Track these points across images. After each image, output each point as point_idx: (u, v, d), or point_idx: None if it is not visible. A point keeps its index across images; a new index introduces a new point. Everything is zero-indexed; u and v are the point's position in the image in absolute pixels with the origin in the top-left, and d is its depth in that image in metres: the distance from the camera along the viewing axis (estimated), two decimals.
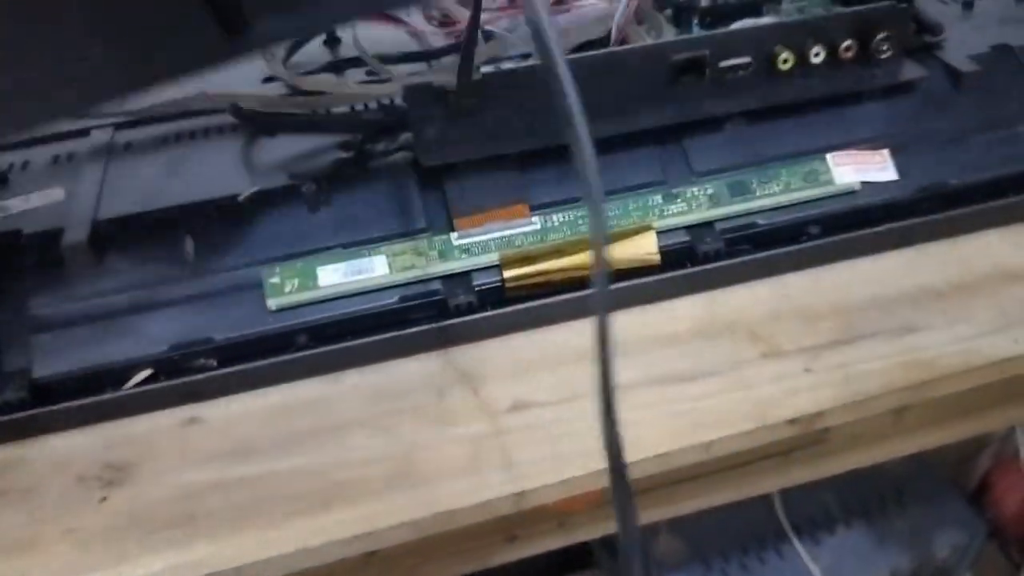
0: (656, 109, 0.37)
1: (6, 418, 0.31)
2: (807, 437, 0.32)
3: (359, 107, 0.40)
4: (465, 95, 0.35)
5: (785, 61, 0.37)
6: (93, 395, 0.32)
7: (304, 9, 0.31)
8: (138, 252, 0.34)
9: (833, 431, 0.33)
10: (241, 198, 0.35)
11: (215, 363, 0.33)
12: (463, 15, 0.42)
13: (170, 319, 0.33)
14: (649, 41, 0.40)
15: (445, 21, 0.45)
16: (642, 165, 0.37)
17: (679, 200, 0.36)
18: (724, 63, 0.37)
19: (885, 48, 0.37)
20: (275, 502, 0.29)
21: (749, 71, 0.37)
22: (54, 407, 0.32)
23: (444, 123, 0.35)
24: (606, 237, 0.24)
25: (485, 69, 0.35)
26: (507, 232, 0.35)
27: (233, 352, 0.33)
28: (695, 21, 0.42)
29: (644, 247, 0.35)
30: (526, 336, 0.34)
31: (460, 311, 0.34)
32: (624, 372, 0.32)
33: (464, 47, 0.35)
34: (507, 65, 0.37)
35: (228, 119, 0.39)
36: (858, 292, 0.35)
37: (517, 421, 0.31)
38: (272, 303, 0.33)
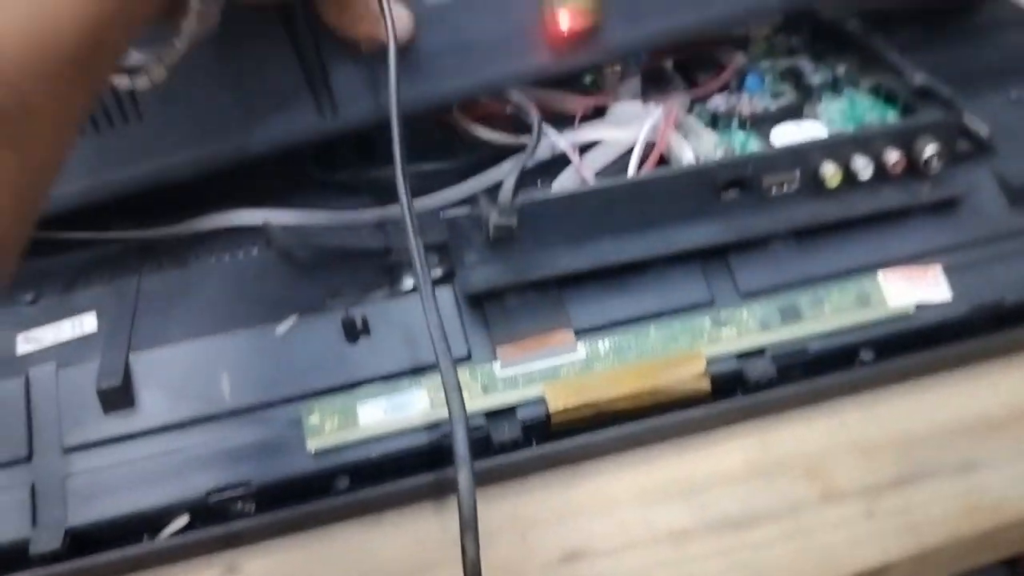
0: (700, 228, 0.36)
1: (44, 571, 0.30)
2: None
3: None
4: (503, 224, 0.34)
5: (832, 177, 0.36)
6: (130, 544, 0.31)
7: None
8: (173, 389, 0.33)
9: None
10: (279, 331, 0.34)
11: (253, 508, 0.32)
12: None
13: (206, 462, 0.32)
14: (688, 149, 0.40)
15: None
16: (688, 285, 0.36)
17: (728, 325, 0.35)
18: (769, 180, 0.36)
19: (935, 161, 0.36)
20: None
21: (795, 188, 0.36)
22: (91, 559, 0.31)
23: (483, 250, 0.35)
24: None
25: (521, 199, 0.34)
26: (552, 362, 0.34)
27: (272, 495, 0.32)
28: (735, 126, 0.41)
29: (694, 375, 0.34)
30: (575, 472, 0.33)
31: (504, 448, 0.33)
32: (678, 517, 0.31)
33: (506, 178, 0.34)
34: (541, 193, 0.36)
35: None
36: (915, 421, 0.34)
37: (570, 574, 0.30)
38: (312, 444, 0.32)
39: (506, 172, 0.38)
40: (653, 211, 0.36)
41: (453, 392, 0.29)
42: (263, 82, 0.37)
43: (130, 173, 0.38)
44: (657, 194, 0.36)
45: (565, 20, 0.38)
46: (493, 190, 0.38)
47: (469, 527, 0.27)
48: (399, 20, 0.33)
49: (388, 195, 0.38)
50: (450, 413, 0.29)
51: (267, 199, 0.40)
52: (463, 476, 0.28)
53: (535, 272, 0.35)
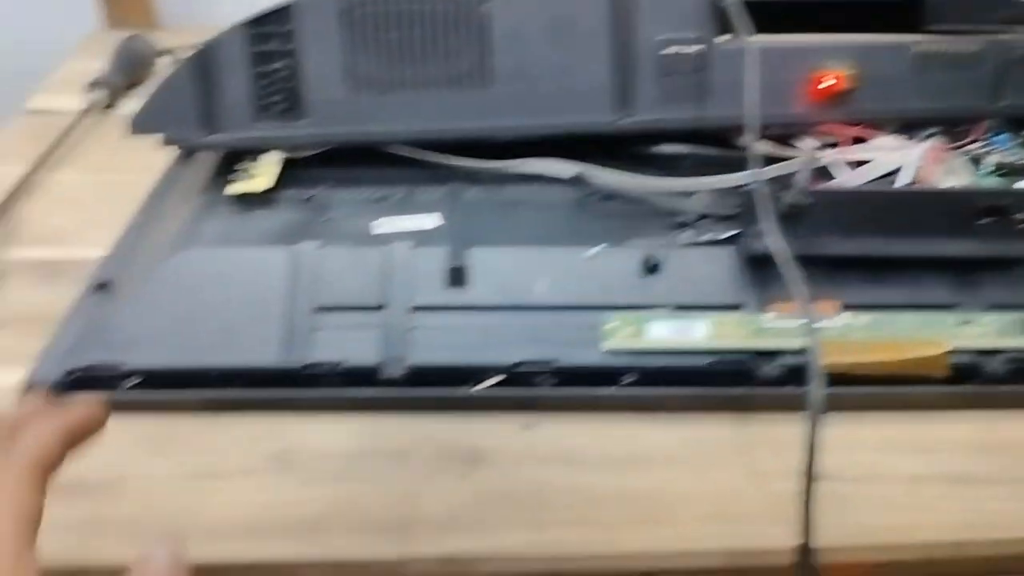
0: (957, 242, 0.42)
1: (389, 392, 0.38)
2: None
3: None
4: (797, 203, 0.40)
5: None
6: (455, 387, 0.38)
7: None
8: (500, 280, 0.41)
9: None
10: (590, 254, 0.41)
11: (552, 383, 0.39)
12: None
13: (520, 339, 0.39)
14: (950, 180, 0.46)
15: None
16: (939, 288, 0.41)
17: (970, 324, 0.40)
18: (1021, 215, 0.42)
19: None
20: (605, 507, 0.34)
21: None
22: (424, 391, 0.38)
23: (771, 222, 0.41)
24: None
25: (820, 186, 0.41)
26: (816, 323, 0.40)
27: (569, 377, 0.39)
28: (987, 171, 0.47)
29: (937, 357, 0.39)
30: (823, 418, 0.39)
31: (766, 383, 0.39)
32: (913, 465, 0.37)
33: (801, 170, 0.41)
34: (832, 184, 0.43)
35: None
36: None
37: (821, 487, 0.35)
38: (607, 344, 0.39)
39: (798, 166, 0.44)
40: (918, 222, 0.42)
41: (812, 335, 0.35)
42: (579, 78, 0.46)
43: (473, 125, 0.47)
44: (925, 207, 0.41)
45: (827, 82, 0.46)
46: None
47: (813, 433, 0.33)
48: None
49: (670, 170, 0.47)
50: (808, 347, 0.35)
51: (569, 156, 0.48)
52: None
53: (813, 249, 0.41)
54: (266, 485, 0.35)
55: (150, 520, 0.33)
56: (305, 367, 0.38)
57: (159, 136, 0.46)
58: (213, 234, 0.39)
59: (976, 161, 0.48)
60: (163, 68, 0.73)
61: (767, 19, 0.53)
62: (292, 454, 0.36)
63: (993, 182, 0.46)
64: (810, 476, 0.33)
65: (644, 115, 0.47)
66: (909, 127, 0.50)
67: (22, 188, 0.54)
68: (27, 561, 0.22)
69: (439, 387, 0.38)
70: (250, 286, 0.37)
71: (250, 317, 0.39)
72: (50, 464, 0.24)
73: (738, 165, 0.48)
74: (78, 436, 0.26)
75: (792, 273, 0.37)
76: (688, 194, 0.46)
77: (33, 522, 0.23)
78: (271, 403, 0.38)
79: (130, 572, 0.24)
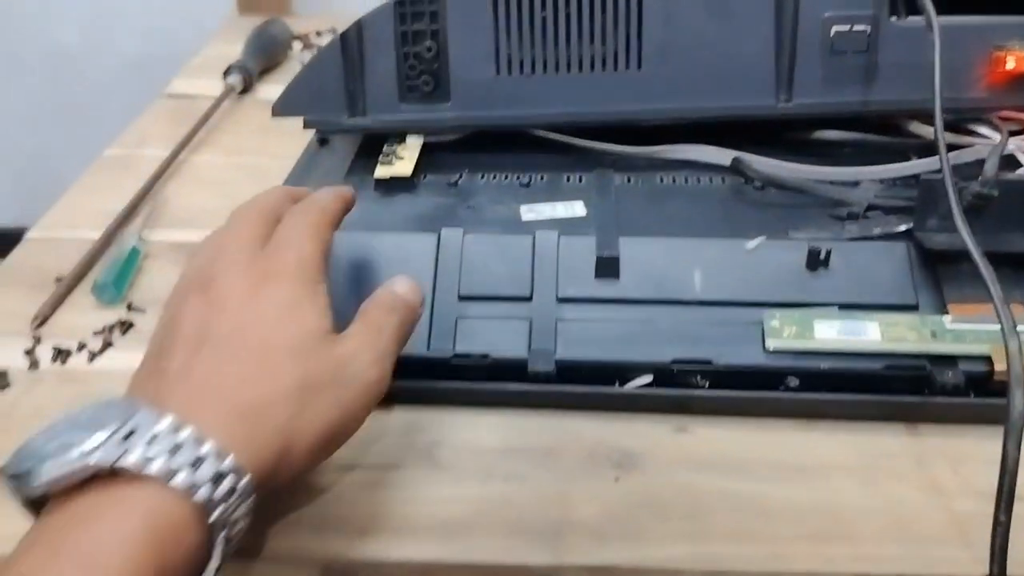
0: None
1: (538, 387, 0.36)
2: None
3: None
4: (984, 194, 0.37)
5: None
6: (604, 385, 0.37)
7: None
8: (653, 272, 0.39)
9: None
10: (750, 246, 0.39)
11: (707, 384, 0.37)
12: None
13: (674, 336, 0.37)
14: None
15: None
16: None
17: None
18: None
19: None
20: (772, 520, 0.32)
21: None
22: (573, 388, 0.36)
23: (950, 216, 0.38)
24: None
25: (1007, 176, 0.37)
26: (999, 327, 0.36)
27: (726, 378, 0.36)
28: None
29: None
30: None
31: (945, 391, 0.36)
32: None
33: (988, 157, 0.37)
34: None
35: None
36: None
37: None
38: (771, 343, 0.37)
39: (987, 154, 0.40)
40: None
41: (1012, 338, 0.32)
42: (737, 58, 0.43)
43: (623, 108, 0.44)
44: None
45: (1011, 63, 0.42)
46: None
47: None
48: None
49: (832, 157, 0.44)
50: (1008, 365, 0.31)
51: (722, 143, 0.45)
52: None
53: (1001, 245, 0.37)
54: (413, 480, 0.34)
55: (294, 512, 0.33)
56: (453, 358, 0.37)
57: (299, 119, 0.45)
58: (357, 218, 0.38)
59: None
60: (297, 53, 0.74)
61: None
62: (439, 448, 0.35)
63: None
64: (1008, 499, 0.30)
65: (807, 99, 0.44)
66: None
67: (164, 170, 0.55)
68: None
69: (588, 384, 0.37)
70: (395, 272, 0.35)
71: None
72: (333, 218, 0.35)
73: (904, 153, 0.45)
74: (349, 202, 0.37)
75: (984, 270, 0.34)
76: (854, 184, 0.43)
77: (317, 260, 0.32)
78: (418, 394, 0.37)
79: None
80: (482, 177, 0.45)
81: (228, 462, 0.26)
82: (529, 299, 0.38)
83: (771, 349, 0.37)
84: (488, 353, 0.37)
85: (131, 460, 0.24)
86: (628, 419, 0.36)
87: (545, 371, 0.36)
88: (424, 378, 0.37)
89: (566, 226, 0.41)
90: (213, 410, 0.27)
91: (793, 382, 0.36)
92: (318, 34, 0.79)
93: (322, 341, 0.30)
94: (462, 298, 0.38)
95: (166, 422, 0.26)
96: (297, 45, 0.76)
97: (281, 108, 0.45)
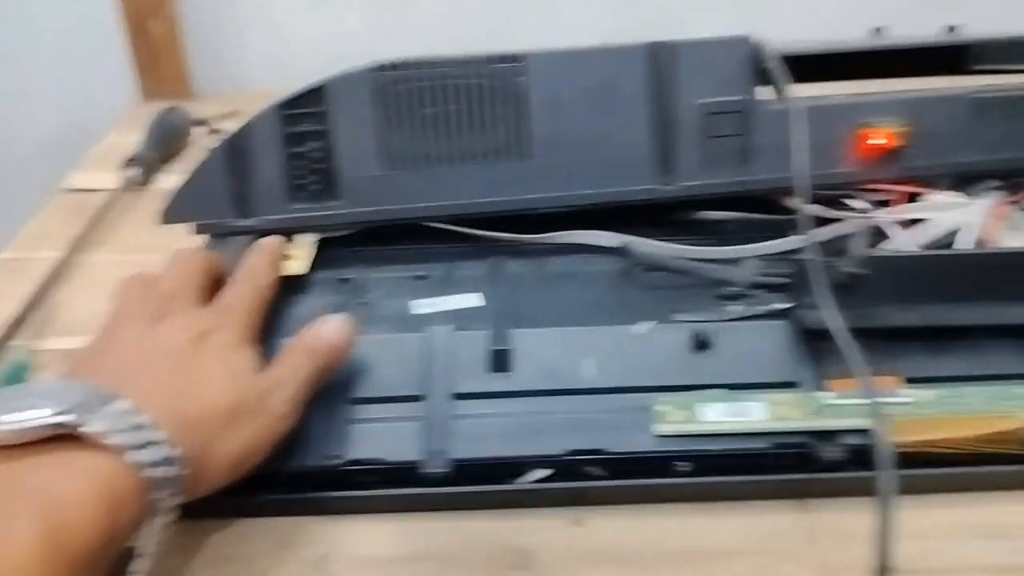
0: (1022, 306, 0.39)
1: (434, 490, 0.36)
2: None
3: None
4: (853, 271, 0.38)
5: None
6: (499, 483, 0.37)
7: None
8: (546, 363, 0.39)
9: None
10: (637, 331, 0.40)
11: (602, 474, 0.37)
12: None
13: (569, 427, 0.38)
14: (1015, 239, 0.43)
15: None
16: (1008, 357, 0.39)
17: None
18: None
19: None
20: None
21: None
22: (468, 488, 0.36)
23: (825, 293, 0.39)
24: None
25: (878, 252, 0.39)
26: (879, 400, 0.38)
27: (620, 467, 0.37)
28: None
29: (1012, 430, 0.37)
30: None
31: (829, 467, 0.37)
32: (989, 554, 0.34)
33: (856, 235, 0.39)
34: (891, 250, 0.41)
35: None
36: None
37: None
38: (659, 429, 0.37)
39: (854, 229, 0.42)
40: (982, 285, 0.39)
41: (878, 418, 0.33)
42: (616, 144, 0.45)
43: (513, 198, 0.45)
44: (991, 270, 0.39)
45: (876, 139, 0.44)
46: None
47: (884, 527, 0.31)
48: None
49: (716, 236, 0.46)
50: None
51: (612, 227, 0.46)
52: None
53: (872, 320, 0.39)
54: None
55: None
56: (344, 465, 0.36)
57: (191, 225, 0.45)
58: None
59: None
60: (199, 139, 0.73)
61: (811, 72, 0.52)
62: (329, 561, 0.35)
63: None
64: (883, 571, 0.30)
65: (688, 181, 0.45)
66: (966, 182, 0.48)
67: (56, 274, 0.54)
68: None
69: (485, 482, 0.37)
70: None
71: None
72: (271, 291, 0.41)
73: (787, 229, 0.46)
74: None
75: (850, 348, 0.35)
76: (737, 262, 0.44)
77: (255, 325, 0.39)
78: (308, 505, 0.36)
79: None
80: (377, 272, 0.45)
81: (174, 451, 0.30)
82: (423, 398, 0.38)
83: (660, 435, 0.37)
84: (382, 458, 0.37)
85: (96, 428, 0.28)
86: (525, 515, 0.36)
87: (441, 473, 0.36)
88: (314, 489, 0.36)
89: (461, 319, 0.41)
90: (160, 409, 0.31)
91: (684, 467, 0.37)
92: (222, 118, 0.78)
93: (252, 376, 0.35)
94: (353, 401, 0.38)
95: (127, 403, 0.30)
96: (199, 131, 0.76)
97: (168, 216, 0.44)
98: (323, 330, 0.38)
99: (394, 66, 0.43)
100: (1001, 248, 0.42)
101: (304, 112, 0.44)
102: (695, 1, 0.91)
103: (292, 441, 0.36)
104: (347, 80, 0.43)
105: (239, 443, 0.33)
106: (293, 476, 0.36)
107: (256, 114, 0.44)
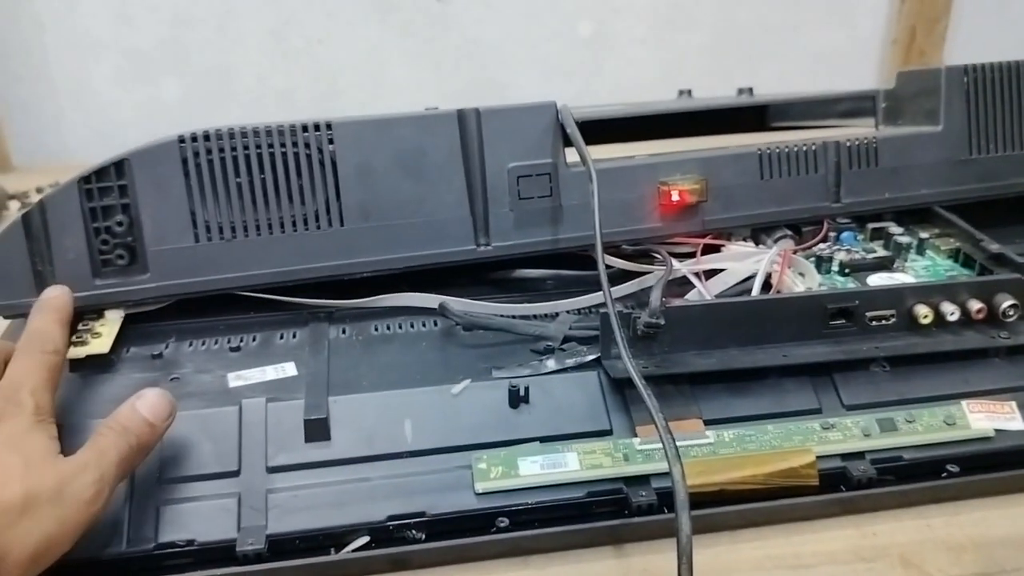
0: (810, 347, 0.42)
1: (249, 568, 0.35)
2: None
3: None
4: (651, 323, 0.41)
5: (925, 317, 0.43)
6: (317, 555, 0.36)
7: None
8: (363, 429, 0.39)
9: None
10: (455, 391, 0.40)
11: (424, 536, 0.37)
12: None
13: (388, 492, 0.38)
14: (799, 284, 0.47)
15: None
16: (799, 394, 0.42)
17: (834, 430, 0.41)
18: (871, 313, 0.43)
19: (1011, 312, 0.43)
20: None
21: (892, 322, 0.43)
22: (286, 563, 0.36)
23: (628, 344, 0.41)
24: None
25: (672, 303, 0.41)
26: (684, 443, 0.40)
27: (442, 527, 0.37)
28: (835, 270, 0.49)
29: (806, 468, 0.39)
30: (698, 540, 0.38)
31: (641, 511, 0.38)
32: None
33: (654, 288, 0.41)
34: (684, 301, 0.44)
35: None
36: (994, 529, 0.39)
37: None
38: (479, 486, 0.38)
39: (652, 283, 0.45)
40: (772, 328, 0.42)
41: (675, 464, 0.34)
42: (430, 208, 0.46)
43: (328, 264, 0.45)
44: (778, 314, 0.42)
45: (675, 196, 0.47)
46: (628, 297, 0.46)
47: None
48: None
49: (534, 293, 0.48)
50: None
51: (433, 287, 0.47)
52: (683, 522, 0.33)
53: (673, 367, 0.41)
54: None
55: None
56: (154, 549, 0.35)
57: None
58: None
59: (825, 261, 0.49)
60: (14, 214, 0.70)
61: (613, 133, 0.55)
62: None
63: (841, 282, 0.48)
64: None
65: (503, 241, 0.47)
66: (762, 231, 0.52)
67: None
68: None
69: (303, 556, 0.36)
70: None
71: None
72: (60, 356, 0.38)
73: (598, 284, 0.48)
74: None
75: (648, 395, 0.37)
76: (552, 316, 0.46)
77: (47, 396, 0.36)
78: None
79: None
80: (190, 345, 0.44)
81: None
82: (237, 474, 0.38)
83: (480, 491, 0.38)
84: (194, 539, 0.36)
85: None
86: None
87: (256, 550, 0.36)
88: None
89: (276, 390, 0.41)
90: None
91: (503, 522, 0.38)
92: (38, 191, 0.75)
93: (48, 462, 0.33)
94: (165, 481, 0.37)
95: None
96: (14, 205, 0.72)
97: None
98: (138, 405, 0.36)
99: (201, 136, 0.43)
100: (786, 294, 0.46)
101: (106, 186, 0.43)
102: (521, 64, 0.95)
103: (104, 526, 0.35)
104: (151, 152, 0.43)
105: (39, 534, 0.31)
106: (104, 564, 0.35)
107: (54, 189, 0.43)
